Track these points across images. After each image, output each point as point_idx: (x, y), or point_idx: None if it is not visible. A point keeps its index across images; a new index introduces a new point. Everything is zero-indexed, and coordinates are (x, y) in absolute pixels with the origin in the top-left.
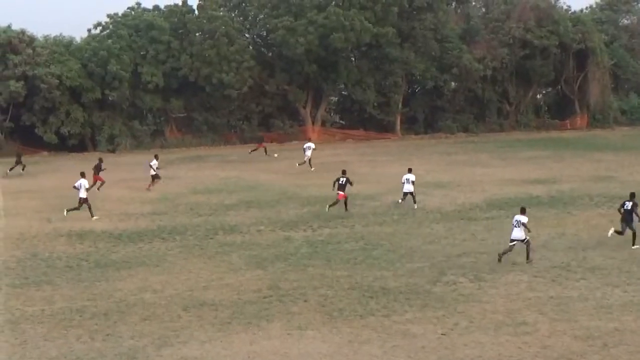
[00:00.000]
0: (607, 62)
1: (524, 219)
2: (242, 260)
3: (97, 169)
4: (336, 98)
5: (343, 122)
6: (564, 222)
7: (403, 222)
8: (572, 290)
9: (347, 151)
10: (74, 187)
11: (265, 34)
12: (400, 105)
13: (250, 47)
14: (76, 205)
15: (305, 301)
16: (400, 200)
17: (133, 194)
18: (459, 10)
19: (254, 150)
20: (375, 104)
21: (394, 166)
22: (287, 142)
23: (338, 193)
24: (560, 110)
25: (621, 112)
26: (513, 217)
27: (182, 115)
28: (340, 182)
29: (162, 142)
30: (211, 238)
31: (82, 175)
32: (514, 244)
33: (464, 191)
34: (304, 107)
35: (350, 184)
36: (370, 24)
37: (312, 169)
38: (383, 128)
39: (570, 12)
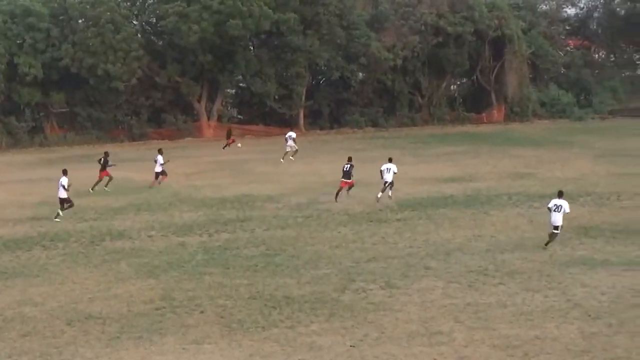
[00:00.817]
0: (525, 51)
1: (564, 203)
2: (131, 268)
3: (104, 164)
4: (233, 91)
5: (241, 117)
6: (480, 223)
7: (307, 225)
8: (490, 296)
9: (245, 148)
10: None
11: (155, 21)
12: (303, 98)
13: (139, 35)
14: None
15: (202, 312)
16: (379, 194)
17: (10, 197)
18: None
19: (226, 146)
20: (277, 97)
21: (296, 164)
22: (180, 138)
23: (341, 180)
24: (475, 103)
25: (540, 104)
26: (550, 201)
27: (63, 110)
28: (345, 168)
29: (41, 140)
30: (97, 245)
31: (64, 172)
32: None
33: (373, 191)
34: (199, 101)
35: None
36: (270, 10)
37: (292, 158)
38: (285, 123)
39: None
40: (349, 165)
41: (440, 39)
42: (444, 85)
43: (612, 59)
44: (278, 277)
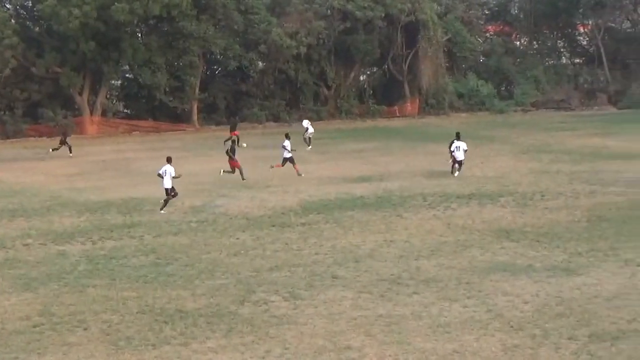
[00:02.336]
0: (441, 37)
1: None
2: (6, 281)
3: (232, 151)
4: (119, 82)
5: (128, 111)
6: (393, 227)
7: (202, 230)
8: (404, 307)
9: (132, 146)
10: (159, 174)
11: (30, 5)
12: (197, 90)
13: (13, 21)
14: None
15: (85, 329)
16: (456, 173)
17: None
18: None
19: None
20: (167, 89)
21: (190, 163)
22: (59, 136)
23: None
24: (387, 95)
25: (458, 95)
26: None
27: None
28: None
29: None
30: None
31: (168, 160)
32: None
33: (275, 192)
34: (80, 94)
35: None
36: None
37: (309, 147)
38: (177, 118)
39: None
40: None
41: (348, 25)
42: (352, 75)
43: (534, 47)
44: (170, 289)
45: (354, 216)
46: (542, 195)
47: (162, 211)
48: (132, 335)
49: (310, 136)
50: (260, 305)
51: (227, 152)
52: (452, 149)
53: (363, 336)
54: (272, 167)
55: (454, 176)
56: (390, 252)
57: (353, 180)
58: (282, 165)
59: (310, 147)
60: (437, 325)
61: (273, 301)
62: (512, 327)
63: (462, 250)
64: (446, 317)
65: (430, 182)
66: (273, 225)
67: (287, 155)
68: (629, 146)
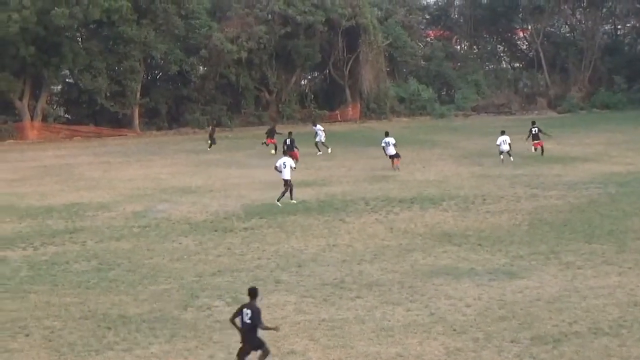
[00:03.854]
0: (382, 42)
1: None
2: None
3: (292, 142)
4: (60, 87)
5: (69, 117)
6: (336, 231)
7: (145, 235)
8: (347, 311)
9: (74, 151)
10: (276, 168)
11: None
12: (138, 95)
13: None
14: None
15: (27, 335)
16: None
17: None
18: None
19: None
20: (108, 94)
21: (131, 168)
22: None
23: (533, 142)
24: (328, 99)
25: (399, 100)
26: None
27: None
28: (533, 132)
29: None
30: None
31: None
32: None
33: (218, 197)
34: (20, 99)
35: (544, 133)
36: None
37: (319, 153)
38: (118, 123)
39: None
40: (536, 129)
41: (289, 29)
42: (293, 80)
43: (474, 51)
44: (113, 294)
45: (296, 220)
46: (484, 199)
47: (279, 203)
48: (75, 341)
49: (323, 140)
50: (204, 310)
51: (286, 147)
52: (498, 142)
53: (306, 340)
54: (397, 169)
55: (511, 160)
56: (333, 257)
57: (295, 185)
58: (398, 160)
59: (329, 149)
60: (381, 329)
61: (216, 306)
62: (455, 330)
63: (405, 254)
64: (389, 321)
65: (372, 187)
66: (215, 230)
67: (392, 151)
68: (568, 150)
